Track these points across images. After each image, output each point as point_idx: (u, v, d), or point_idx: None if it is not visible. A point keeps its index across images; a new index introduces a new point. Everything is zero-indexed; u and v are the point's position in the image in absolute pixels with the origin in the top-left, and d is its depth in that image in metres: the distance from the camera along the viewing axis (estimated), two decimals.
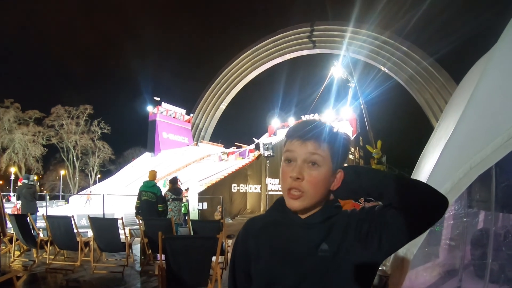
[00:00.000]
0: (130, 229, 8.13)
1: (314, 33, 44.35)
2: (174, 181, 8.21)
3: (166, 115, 42.70)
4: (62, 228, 6.01)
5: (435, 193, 0.83)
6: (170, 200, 7.69)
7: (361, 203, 2.91)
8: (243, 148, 30.44)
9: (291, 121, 41.37)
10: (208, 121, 51.64)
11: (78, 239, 5.91)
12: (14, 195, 10.33)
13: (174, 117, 43.85)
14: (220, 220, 7.25)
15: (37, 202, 8.99)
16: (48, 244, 6.09)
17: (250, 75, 50.81)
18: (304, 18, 47.39)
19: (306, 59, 50.76)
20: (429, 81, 36.64)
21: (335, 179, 0.94)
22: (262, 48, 48.89)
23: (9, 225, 7.10)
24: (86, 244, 6.07)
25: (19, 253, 6.59)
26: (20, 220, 6.36)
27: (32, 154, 40.70)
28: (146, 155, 38.85)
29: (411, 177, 3.10)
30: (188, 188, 17.01)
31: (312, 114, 42.92)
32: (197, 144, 41.05)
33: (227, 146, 37.88)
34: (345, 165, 0.97)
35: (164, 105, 42.77)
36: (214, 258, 3.86)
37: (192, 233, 6.50)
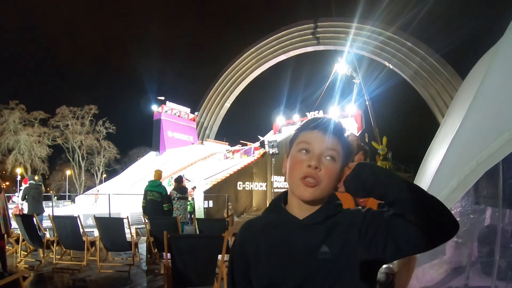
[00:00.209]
0: (136, 228, 8.16)
1: (318, 29, 44.09)
2: (179, 180, 8.21)
3: (170, 114, 42.75)
4: (68, 228, 6.04)
5: (450, 215, 0.79)
6: (176, 199, 7.69)
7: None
8: (248, 146, 30.39)
9: (296, 118, 41.25)
10: (213, 119, 51.60)
11: (84, 238, 5.95)
12: (17, 195, 10.36)
13: (179, 116, 43.89)
14: (226, 218, 7.24)
15: (43, 202, 9.06)
16: (55, 244, 6.13)
17: (254, 73, 50.67)
18: (307, 14, 47.25)
19: (310, 56, 50.54)
20: (434, 76, 36.35)
21: (339, 179, 0.92)
22: (266, 45, 48.71)
23: (14, 225, 7.18)
24: (92, 243, 6.10)
25: (26, 253, 6.64)
26: (27, 220, 6.40)
27: (37, 155, 40.94)
28: (152, 154, 38.93)
29: (417, 175, 3.07)
30: (195, 187, 17.04)
31: (317, 111, 42.80)
32: (202, 143, 41.06)
33: (232, 144, 37.88)
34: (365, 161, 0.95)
35: (169, 104, 42.82)
36: (219, 256, 3.86)
37: (198, 232, 6.52)
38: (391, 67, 39.54)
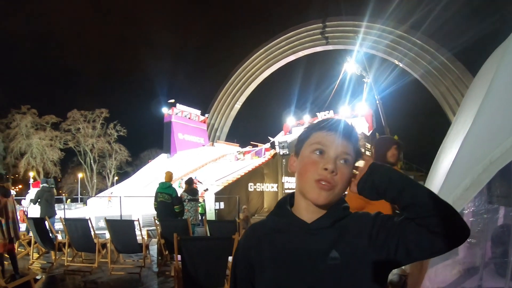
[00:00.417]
0: (147, 230, 8.20)
1: (326, 29, 43.87)
2: (190, 182, 8.23)
3: (181, 116, 42.98)
4: (79, 231, 6.09)
5: (462, 220, 0.80)
6: (187, 200, 7.70)
7: None
8: (259, 147, 30.38)
9: (306, 118, 41.11)
10: (223, 121, 51.68)
11: (95, 240, 5.99)
12: (24, 200, 10.45)
13: (189, 118, 44.11)
14: (237, 221, 7.21)
15: (56, 205, 9.14)
16: (66, 246, 6.18)
17: (264, 74, 50.62)
18: (316, 14, 46.95)
19: (320, 56, 50.32)
20: (444, 74, 35.89)
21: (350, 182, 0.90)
22: (275, 46, 48.64)
23: (22, 228, 7.27)
24: (104, 245, 6.14)
25: (38, 255, 6.72)
26: (38, 223, 6.48)
27: (50, 158, 41.54)
28: (163, 156, 39.12)
29: (429, 174, 3.02)
30: (207, 189, 17.07)
31: (327, 111, 42.63)
32: (213, 144, 41.16)
33: (243, 145, 37.87)
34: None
35: (179, 106, 43.05)
36: (230, 258, 3.84)
37: (208, 234, 6.52)
38: (401, 65, 39.17)
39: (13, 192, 11.23)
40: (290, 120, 40.25)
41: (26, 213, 9.83)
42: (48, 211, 8.31)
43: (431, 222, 0.78)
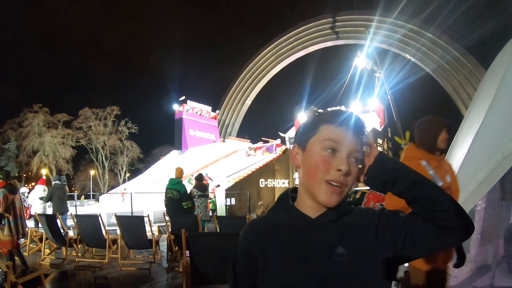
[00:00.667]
0: (158, 226, 8.24)
1: (337, 24, 43.51)
2: (200, 178, 8.22)
3: (192, 112, 43.22)
4: (90, 227, 6.14)
5: (468, 216, 0.79)
6: (196, 196, 7.70)
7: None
8: (270, 143, 30.33)
9: None
10: (234, 117, 51.74)
11: (105, 236, 6.03)
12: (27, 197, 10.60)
13: (200, 115, 44.32)
14: (247, 216, 7.19)
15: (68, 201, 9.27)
16: (77, 242, 6.24)
17: (274, 69, 50.51)
18: (327, 9, 46.51)
19: (331, 51, 50.02)
20: (457, 68, 35.37)
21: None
22: (285, 41, 48.44)
23: (29, 225, 7.37)
24: (114, 241, 6.18)
25: (49, 251, 6.80)
26: (50, 220, 6.55)
27: (62, 156, 42.21)
28: (174, 152, 39.36)
29: None
30: (218, 185, 17.11)
31: (339, 107, 42.34)
32: (224, 140, 41.30)
33: (254, 141, 37.86)
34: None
35: (190, 103, 43.29)
36: None
37: (218, 229, 6.52)
38: (412, 60, 38.70)
39: (25, 190, 11.44)
40: (301, 115, 40.13)
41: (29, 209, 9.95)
42: (60, 208, 8.41)
43: (438, 216, 0.77)
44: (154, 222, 12.50)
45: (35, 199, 9.23)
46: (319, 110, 0.91)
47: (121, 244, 6.02)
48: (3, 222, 5.14)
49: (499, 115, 2.03)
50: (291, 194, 0.94)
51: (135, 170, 47.47)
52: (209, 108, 46.28)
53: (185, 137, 41.01)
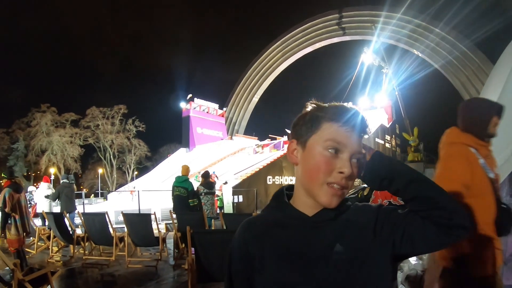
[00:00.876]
0: (166, 224, 8.27)
1: (343, 19, 43.21)
2: (206, 175, 8.24)
3: (199, 110, 43.34)
4: (97, 225, 6.18)
5: (466, 215, 0.78)
6: (203, 194, 7.71)
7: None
8: (277, 140, 30.32)
9: None
10: (242, 114, 51.74)
11: (113, 234, 6.06)
12: (31, 195, 10.71)
13: (207, 112, 44.45)
14: (253, 214, 7.18)
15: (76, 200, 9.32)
16: (84, 240, 6.29)
17: (281, 66, 50.37)
18: (333, 4, 46.26)
19: (338, 48, 49.91)
20: (465, 63, 34.98)
21: None
22: (292, 38, 48.26)
23: (39, 223, 7.43)
24: (121, 239, 6.22)
25: (57, 249, 6.86)
26: (58, 218, 6.60)
27: (70, 155, 42.58)
28: (182, 150, 39.51)
29: None
30: (226, 182, 17.14)
31: (346, 103, 42.09)
32: (231, 138, 41.37)
33: (261, 138, 37.88)
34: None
35: (197, 100, 43.39)
36: None
37: (224, 227, 6.52)
38: (420, 55, 38.35)
39: (32, 188, 11.53)
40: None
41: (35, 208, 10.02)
42: (68, 206, 8.47)
43: (437, 215, 0.76)
44: (162, 220, 12.56)
45: (40, 197, 9.29)
46: (320, 104, 0.87)
47: (128, 241, 6.05)
48: (9, 221, 5.18)
49: (507, 110, 1.98)
50: (286, 191, 0.91)
51: (143, 168, 47.75)
52: (216, 106, 46.37)
53: (192, 134, 41.15)
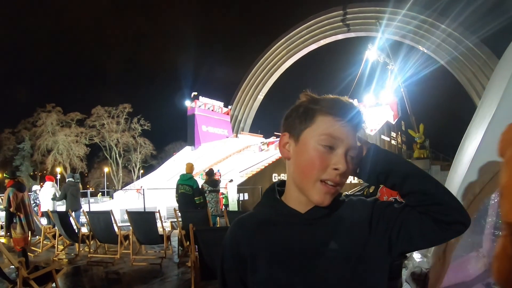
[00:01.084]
0: (171, 222, 8.29)
1: (347, 16, 43.04)
2: (210, 173, 8.23)
3: (204, 108, 43.48)
4: (102, 223, 6.21)
5: (464, 211, 0.75)
6: (207, 192, 7.71)
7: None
8: None
9: None
10: (247, 112, 51.74)
11: (117, 232, 6.09)
12: (35, 195, 10.78)
13: (212, 110, 44.58)
14: None
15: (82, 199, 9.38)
16: (89, 238, 6.32)
17: (286, 64, 50.30)
18: (336, 1, 46.02)
19: (342, 45, 49.78)
20: (470, 59, 34.71)
21: None
22: (296, 35, 48.16)
23: (44, 222, 7.48)
24: (126, 237, 6.24)
25: (63, 247, 6.90)
26: (63, 217, 6.65)
27: (76, 154, 42.98)
28: (187, 148, 39.69)
29: (453, 162, 2.89)
30: (231, 180, 17.16)
31: (351, 100, 41.97)
32: (236, 136, 41.49)
33: (266, 136, 37.94)
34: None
35: (202, 99, 43.53)
36: None
37: (229, 225, 6.51)
38: (425, 51, 38.10)
39: (37, 187, 11.60)
40: None
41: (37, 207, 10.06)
42: (74, 205, 8.51)
43: (434, 210, 0.73)
44: (168, 218, 12.60)
45: (44, 196, 9.32)
46: (315, 96, 0.83)
47: (132, 239, 6.07)
48: (14, 221, 5.22)
49: (511, 104, 1.95)
50: (277, 188, 0.88)
51: (148, 167, 48.01)
52: (221, 104, 46.47)
53: (197, 133, 41.29)
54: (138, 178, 43.29)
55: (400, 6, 37.59)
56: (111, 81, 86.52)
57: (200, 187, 7.32)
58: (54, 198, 9.12)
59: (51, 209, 8.34)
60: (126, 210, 6.33)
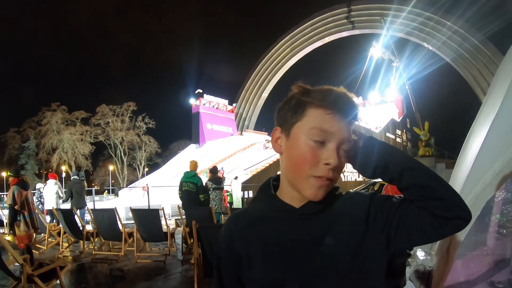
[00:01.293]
0: (175, 219, 8.31)
1: (352, 13, 42.92)
2: (214, 171, 8.23)
3: (209, 106, 43.56)
4: (106, 220, 6.23)
5: (465, 205, 0.72)
6: (211, 189, 7.71)
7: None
8: None
9: None
10: (252, 110, 51.74)
11: (121, 230, 6.11)
12: (40, 193, 10.83)
13: (217, 108, 44.65)
14: None
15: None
16: (94, 235, 6.35)
17: (291, 61, 50.26)
18: None
19: (347, 42, 49.58)
20: (476, 56, 34.48)
21: None
22: (301, 33, 48.10)
23: (46, 220, 7.53)
24: (130, 234, 6.26)
25: (67, 245, 6.94)
26: (67, 214, 6.69)
27: (81, 152, 43.17)
28: (192, 146, 39.80)
29: (458, 159, 2.86)
30: (236, 177, 17.17)
31: (356, 97, 41.93)
32: (241, 133, 41.55)
33: (271, 134, 37.95)
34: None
35: (206, 96, 43.60)
36: None
37: None
38: (430, 48, 37.88)
39: (41, 185, 11.66)
40: None
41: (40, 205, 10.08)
42: (79, 203, 8.56)
43: (433, 205, 0.71)
44: (172, 216, 12.63)
45: (48, 194, 9.34)
46: (308, 87, 0.79)
47: (137, 237, 6.09)
48: (18, 218, 5.26)
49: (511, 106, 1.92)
50: (273, 182, 0.86)
51: (153, 165, 48.12)
52: (225, 102, 46.53)
53: (202, 131, 41.38)
54: (143, 176, 43.43)
55: (405, 3, 37.40)
56: (116, 80, 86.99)
57: (204, 184, 7.33)
58: (61, 198, 9.15)
59: (55, 206, 8.37)
60: (130, 207, 6.35)
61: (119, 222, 6.22)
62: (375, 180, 9.97)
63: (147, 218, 6.10)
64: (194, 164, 7.41)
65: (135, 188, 26.63)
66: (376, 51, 39.81)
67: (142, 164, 48.51)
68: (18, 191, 5.22)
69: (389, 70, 41.54)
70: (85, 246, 6.64)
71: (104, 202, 22.62)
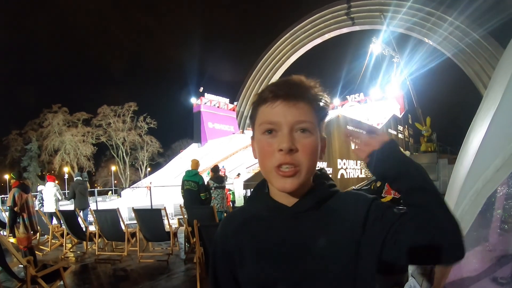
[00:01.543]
0: (178, 219, 8.32)
1: (351, 9, 42.73)
2: (216, 170, 8.24)
3: (210, 105, 43.58)
4: (109, 221, 6.25)
5: (463, 241, 0.70)
6: (213, 188, 7.72)
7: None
8: None
9: (336, 102, 40.63)
10: None
11: (124, 230, 6.13)
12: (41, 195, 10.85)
13: (218, 107, 44.66)
14: None
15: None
16: (97, 236, 6.38)
17: (291, 59, 50.16)
18: None
19: (348, 38, 49.40)
20: (477, 51, 34.31)
21: (320, 149, 0.78)
22: (301, 30, 47.98)
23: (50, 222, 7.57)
24: (133, 234, 6.28)
25: (71, 246, 6.97)
26: (70, 215, 6.72)
27: (83, 154, 43.22)
28: (194, 146, 39.79)
29: (459, 155, 2.86)
30: (239, 174, 17.16)
31: (357, 94, 41.98)
32: (243, 132, 41.49)
33: None
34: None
35: (207, 95, 43.61)
36: None
37: None
38: (431, 43, 37.74)
39: (42, 187, 11.70)
40: None
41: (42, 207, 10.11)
42: (82, 203, 8.60)
43: (433, 233, 0.68)
44: (175, 215, 12.64)
45: (47, 197, 9.32)
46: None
47: (139, 237, 6.11)
48: (18, 220, 5.32)
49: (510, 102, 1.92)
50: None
51: (155, 165, 48.12)
52: (227, 100, 46.54)
53: (204, 130, 41.39)
54: (145, 176, 43.45)
55: None
56: (116, 80, 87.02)
57: (206, 183, 7.35)
58: (65, 199, 9.19)
59: (53, 209, 8.40)
60: (133, 207, 6.36)
61: (121, 222, 6.24)
62: None
63: (149, 218, 6.12)
64: (195, 163, 7.43)
65: (138, 188, 26.64)
66: (377, 47, 39.70)
67: (144, 164, 48.55)
68: (19, 193, 5.28)
69: (390, 66, 41.44)
70: (88, 247, 6.66)
71: (107, 202, 22.65)
